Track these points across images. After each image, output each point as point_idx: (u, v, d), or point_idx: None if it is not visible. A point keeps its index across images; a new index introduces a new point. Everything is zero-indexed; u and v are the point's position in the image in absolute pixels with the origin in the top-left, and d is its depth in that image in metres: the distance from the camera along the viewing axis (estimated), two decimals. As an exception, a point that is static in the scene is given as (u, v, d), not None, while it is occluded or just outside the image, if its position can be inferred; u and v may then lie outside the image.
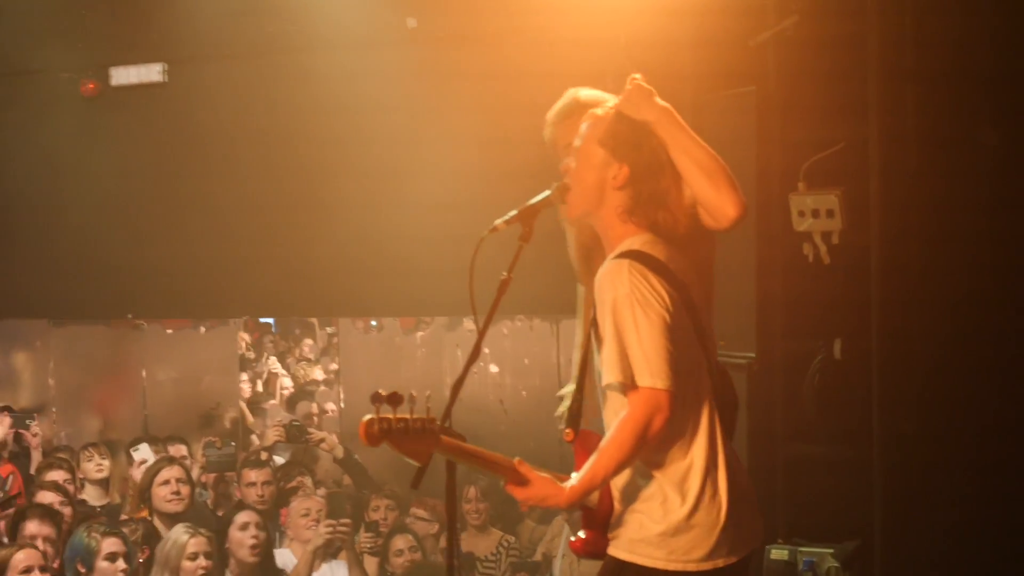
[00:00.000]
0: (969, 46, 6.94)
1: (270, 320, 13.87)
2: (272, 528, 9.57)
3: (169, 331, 12.08)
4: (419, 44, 9.55)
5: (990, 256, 6.83)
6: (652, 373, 4.53)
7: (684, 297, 4.68)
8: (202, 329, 12.17)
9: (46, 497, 9.02)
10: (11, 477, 9.94)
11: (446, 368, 11.06)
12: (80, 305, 11.41)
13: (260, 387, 13.14)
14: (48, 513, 8.64)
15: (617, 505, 4.79)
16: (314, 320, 13.78)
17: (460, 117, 9.42)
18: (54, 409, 11.85)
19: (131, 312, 11.62)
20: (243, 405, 12.10)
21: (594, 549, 4.89)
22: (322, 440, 10.37)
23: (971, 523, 6.88)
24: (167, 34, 10.35)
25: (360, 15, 9.63)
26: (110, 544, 8.00)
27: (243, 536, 8.77)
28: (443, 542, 9.51)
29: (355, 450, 10.31)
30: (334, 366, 13.36)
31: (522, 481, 4.64)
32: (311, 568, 8.84)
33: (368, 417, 4.44)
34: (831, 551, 7.36)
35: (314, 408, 12.34)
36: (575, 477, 4.64)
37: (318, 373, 13.85)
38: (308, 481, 9.87)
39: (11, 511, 8.80)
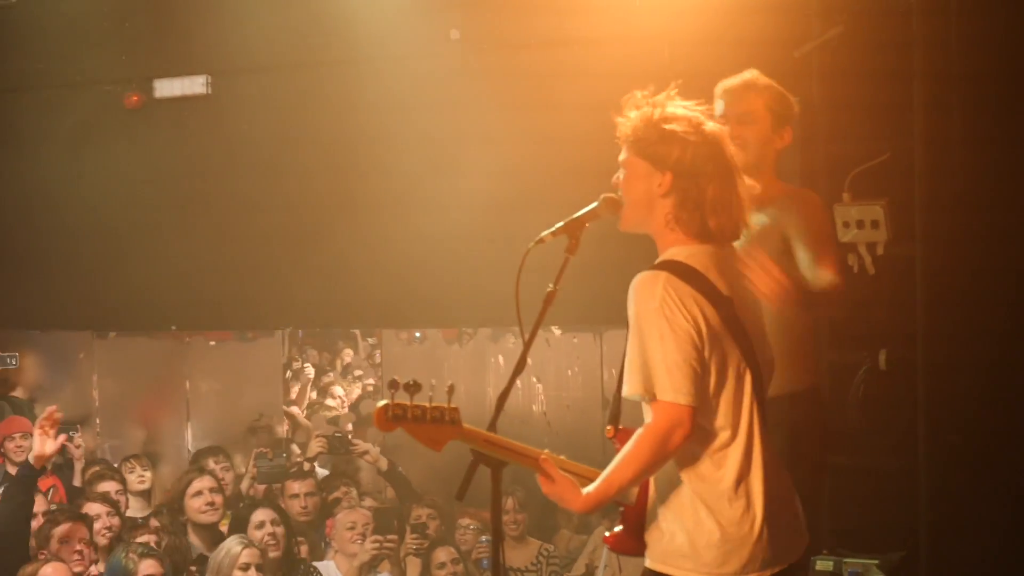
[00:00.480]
0: (1014, 52, 6.92)
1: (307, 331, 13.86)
2: (317, 539, 9.60)
3: (212, 343, 12.11)
4: (462, 55, 9.54)
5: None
6: (674, 388, 4.54)
7: (724, 312, 4.67)
8: (235, 339, 12.20)
9: (93, 508, 9.06)
10: (52, 490, 9.97)
11: (489, 379, 11.05)
12: (123, 317, 11.45)
13: (314, 395, 13.13)
14: (79, 517, 8.69)
15: (651, 509, 4.81)
16: (356, 331, 13.77)
17: (503, 124, 9.41)
18: (98, 421, 11.89)
19: (174, 324, 11.65)
20: (296, 413, 12.13)
21: (626, 546, 4.94)
22: (365, 452, 10.38)
23: (1019, 533, 6.86)
24: (211, 46, 10.38)
25: (402, 27, 9.63)
26: (147, 567, 8.04)
27: (258, 534, 8.91)
28: (476, 554, 9.52)
29: (398, 462, 10.31)
30: (370, 381, 13.41)
31: (546, 475, 4.68)
32: None
33: (383, 403, 4.49)
34: (876, 561, 7.35)
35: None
36: (593, 484, 4.66)
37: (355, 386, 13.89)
38: (353, 492, 9.89)
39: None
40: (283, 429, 11.82)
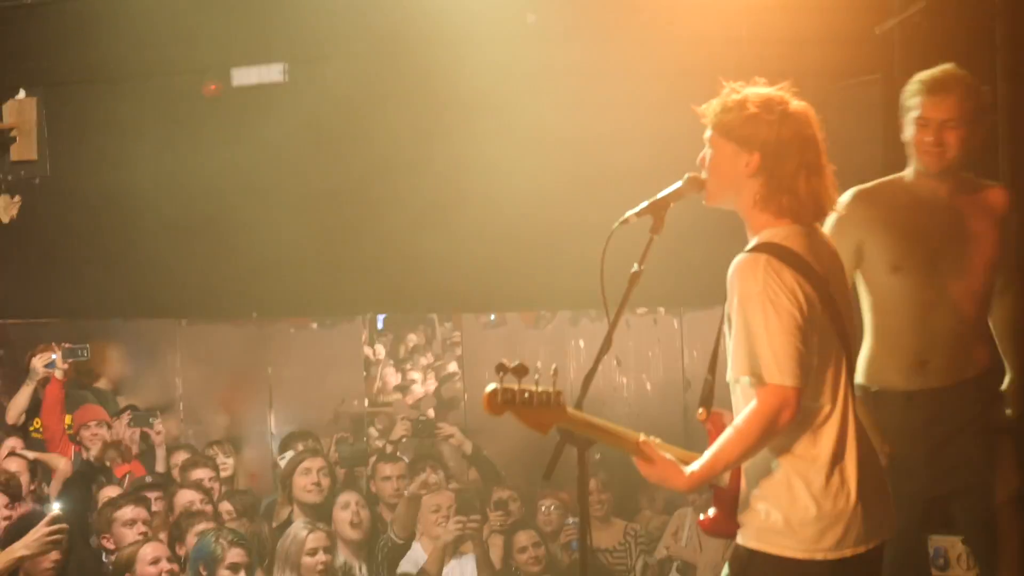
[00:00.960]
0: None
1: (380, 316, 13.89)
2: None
3: (292, 329, 12.17)
4: (538, 39, 9.54)
5: None
6: (781, 371, 4.55)
7: (822, 292, 4.68)
8: (315, 326, 12.25)
9: (186, 496, 9.19)
10: (128, 476, 10.05)
11: (570, 363, 11.05)
12: (205, 305, 11.54)
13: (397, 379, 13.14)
14: (139, 499, 8.82)
15: (744, 488, 4.83)
16: (434, 316, 13.78)
17: (579, 113, 9.41)
18: (181, 407, 11.97)
19: (255, 311, 11.72)
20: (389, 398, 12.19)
21: (722, 529, 4.93)
22: (451, 435, 10.41)
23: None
24: (287, 34, 10.42)
25: (480, 11, 9.62)
26: (235, 555, 8.08)
27: (345, 515, 9.02)
28: (563, 536, 9.53)
29: (483, 446, 10.34)
30: (452, 365, 13.39)
31: (646, 458, 4.70)
32: (442, 564, 8.93)
33: (492, 387, 4.48)
34: (961, 537, 7.31)
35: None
36: (697, 462, 4.68)
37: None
38: (440, 476, 9.93)
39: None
40: (361, 413, 11.87)
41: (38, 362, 10.62)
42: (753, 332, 4.59)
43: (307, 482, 9.32)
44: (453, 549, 8.99)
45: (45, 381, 10.63)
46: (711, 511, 4.96)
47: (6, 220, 11.64)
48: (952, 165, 5.92)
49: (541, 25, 9.59)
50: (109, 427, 10.29)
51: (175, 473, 10.17)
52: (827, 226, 5.21)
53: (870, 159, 7.25)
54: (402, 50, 10.18)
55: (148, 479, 9.88)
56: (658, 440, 4.77)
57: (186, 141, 10.97)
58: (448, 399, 12.30)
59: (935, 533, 7.35)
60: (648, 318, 10.93)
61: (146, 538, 8.33)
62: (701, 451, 4.74)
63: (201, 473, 9.80)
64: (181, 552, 8.56)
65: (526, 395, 4.50)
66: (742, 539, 4.82)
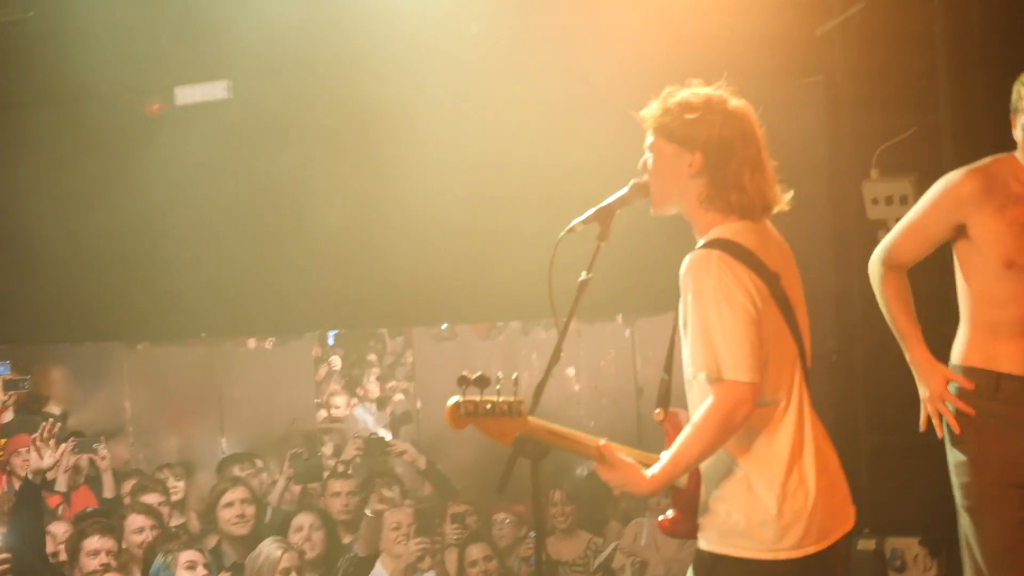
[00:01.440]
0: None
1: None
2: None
3: (242, 349, 12.11)
4: (482, 47, 9.51)
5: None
6: (736, 366, 4.53)
7: (773, 286, 4.68)
8: (266, 344, 12.20)
9: (136, 521, 9.07)
10: (62, 507, 9.97)
11: (523, 374, 11.01)
12: (153, 326, 11.47)
13: (351, 396, 13.08)
14: (107, 528, 8.74)
15: (704, 491, 4.82)
16: (384, 331, 13.72)
17: (524, 116, 9.38)
18: (131, 430, 11.90)
19: (204, 332, 11.66)
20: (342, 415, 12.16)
21: (681, 529, 4.94)
22: (403, 452, 10.37)
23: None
24: (230, 51, 10.34)
25: (423, 22, 9.58)
26: (187, 556, 8.05)
27: (298, 538, 9.05)
28: (524, 549, 9.50)
29: (437, 460, 10.31)
30: (404, 379, 13.34)
31: (607, 463, 4.68)
32: None
33: (455, 400, 4.49)
34: (918, 539, 7.33)
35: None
36: (657, 465, 4.66)
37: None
38: (395, 491, 9.88)
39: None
40: (314, 431, 11.82)
41: None
42: (708, 328, 4.56)
43: (231, 515, 9.21)
44: (414, 569, 8.95)
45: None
46: (670, 512, 4.96)
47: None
48: None
49: (484, 33, 9.54)
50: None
51: (126, 500, 10.07)
52: (930, 196, 5.34)
53: (814, 160, 7.27)
54: (346, 63, 10.13)
55: (89, 509, 9.81)
56: (618, 445, 4.74)
57: (131, 162, 10.88)
58: (401, 414, 12.27)
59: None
60: (600, 327, 10.92)
61: (107, 569, 8.26)
62: (658, 455, 4.72)
63: (151, 498, 9.68)
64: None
65: (488, 406, 4.52)
66: (705, 543, 4.81)
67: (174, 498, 10.33)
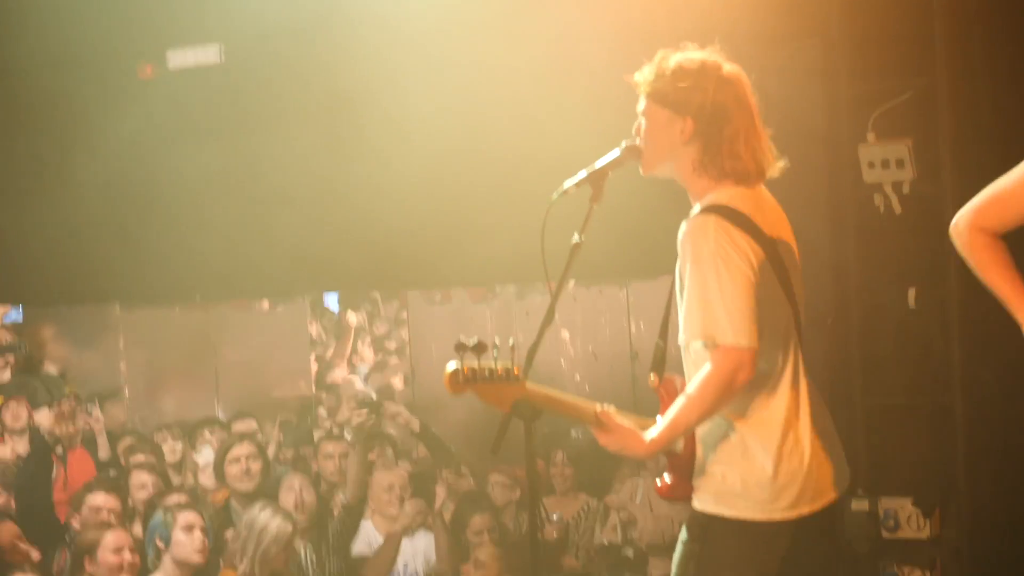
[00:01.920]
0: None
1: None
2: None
3: (238, 312, 12.11)
4: (480, 7, 9.44)
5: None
6: (735, 331, 4.53)
7: (770, 252, 4.67)
8: (265, 306, 12.22)
9: (140, 478, 9.19)
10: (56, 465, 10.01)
11: (518, 338, 11.02)
12: (148, 288, 11.45)
13: (346, 358, 13.08)
14: (113, 487, 8.77)
15: (700, 454, 4.82)
16: (377, 294, 13.71)
17: (518, 78, 9.34)
18: (127, 392, 11.91)
19: (199, 294, 11.66)
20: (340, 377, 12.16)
21: (678, 493, 4.93)
22: (397, 414, 10.36)
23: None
24: (224, 15, 10.29)
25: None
26: (186, 517, 8.05)
27: (289, 497, 9.04)
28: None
29: (432, 423, 10.30)
30: (397, 343, 13.34)
31: (605, 428, 4.69)
32: (397, 548, 8.91)
33: (453, 366, 4.49)
34: (911, 499, 7.35)
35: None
36: (655, 428, 4.67)
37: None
38: (389, 452, 9.88)
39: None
40: (308, 395, 11.82)
41: None
42: (706, 293, 4.56)
43: (237, 470, 9.22)
44: (407, 530, 8.96)
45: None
46: (666, 476, 4.96)
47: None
48: None
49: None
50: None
51: (122, 461, 10.11)
52: None
53: (810, 124, 7.25)
54: (339, 27, 10.08)
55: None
56: (615, 409, 4.75)
57: (123, 125, 10.84)
58: (395, 376, 12.29)
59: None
60: (594, 290, 10.91)
61: (106, 525, 8.28)
62: (654, 419, 4.73)
63: (144, 458, 9.72)
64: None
65: (487, 373, 4.52)
66: (700, 504, 4.82)
67: (173, 459, 10.35)
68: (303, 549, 8.83)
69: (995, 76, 6.91)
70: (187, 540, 8.00)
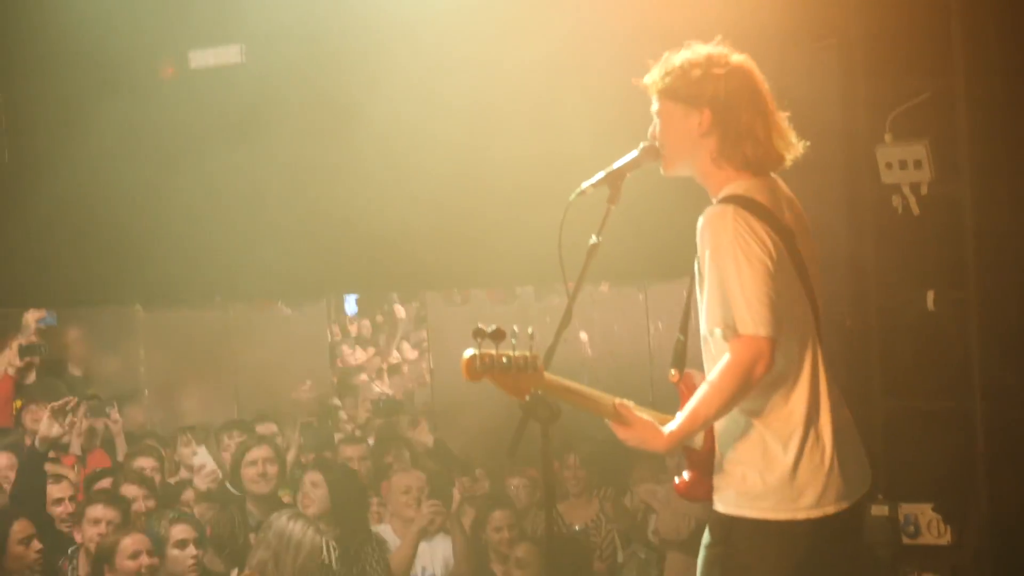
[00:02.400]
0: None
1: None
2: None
3: (257, 313, 12.13)
4: (500, 11, 9.45)
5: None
6: (755, 321, 4.51)
7: (788, 243, 4.65)
8: (287, 310, 12.22)
9: (129, 490, 9.05)
10: (76, 467, 9.99)
11: (537, 339, 11.00)
12: (168, 290, 11.45)
13: (365, 360, 13.08)
14: (113, 499, 8.74)
15: (719, 452, 4.80)
16: (394, 295, 13.71)
17: (536, 78, 9.33)
18: (146, 393, 11.92)
19: (219, 295, 11.66)
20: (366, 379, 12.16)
21: (698, 492, 4.91)
22: (417, 424, 10.37)
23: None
24: (246, 15, 10.31)
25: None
26: (179, 531, 8.06)
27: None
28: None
29: (449, 426, 10.30)
30: (417, 345, 13.34)
31: (623, 421, 4.67)
32: (415, 549, 8.91)
33: (470, 352, 4.47)
34: (932, 505, 7.32)
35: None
36: (674, 421, 4.65)
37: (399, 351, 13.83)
38: (406, 455, 9.88)
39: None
40: (327, 395, 11.82)
41: None
42: (725, 282, 4.54)
43: (253, 473, 9.23)
44: (427, 533, 8.95)
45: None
46: (685, 474, 4.94)
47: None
48: None
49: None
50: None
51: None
52: None
53: (827, 124, 7.23)
54: (360, 26, 10.08)
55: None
56: (633, 403, 4.73)
57: (146, 126, 10.85)
58: (414, 378, 12.30)
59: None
60: (612, 292, 10.91)
61: (117, 532, 8.28)
62: (672, 415, 4.70)
63: (144, 462, 9.67)
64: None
65: (504, 360, 4.49)
66: (721, 505, 4.79)
67: (195, 460, 10.34)
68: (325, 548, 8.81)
69: (1013, 77, 6.88)
70: (180, 556, 8.04)
